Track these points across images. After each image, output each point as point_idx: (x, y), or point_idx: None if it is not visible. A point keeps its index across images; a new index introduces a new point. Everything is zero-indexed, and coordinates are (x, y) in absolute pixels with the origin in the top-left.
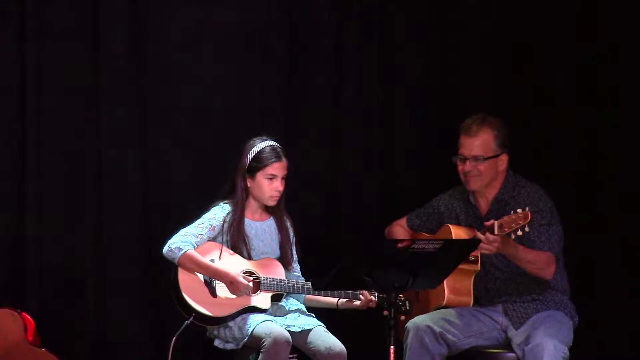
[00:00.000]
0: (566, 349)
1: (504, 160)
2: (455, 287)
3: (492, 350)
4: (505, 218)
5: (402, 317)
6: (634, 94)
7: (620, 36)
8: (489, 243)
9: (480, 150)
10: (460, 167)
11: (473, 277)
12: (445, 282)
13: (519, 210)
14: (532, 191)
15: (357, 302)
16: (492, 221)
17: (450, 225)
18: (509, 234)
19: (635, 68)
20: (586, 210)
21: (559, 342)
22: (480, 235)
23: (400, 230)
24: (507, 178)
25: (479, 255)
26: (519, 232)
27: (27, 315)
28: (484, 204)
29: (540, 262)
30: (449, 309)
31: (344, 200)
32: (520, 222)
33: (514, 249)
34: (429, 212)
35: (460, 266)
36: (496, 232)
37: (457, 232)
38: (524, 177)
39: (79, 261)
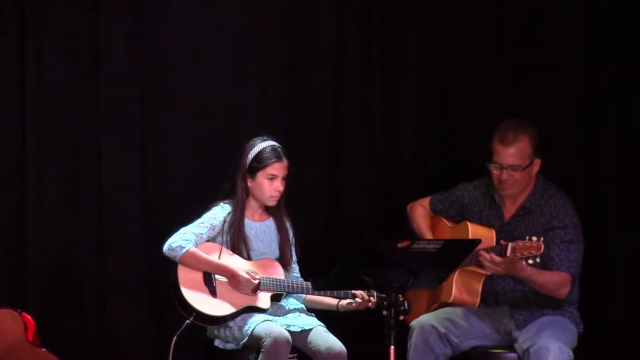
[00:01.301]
0: (571, 352)
1: (537, 164)
2: (464, 287)
3: (493, 351)
4: (520, 243)
5: (401, 317)
6: (636, 94)
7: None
8: (494, 265)
9: (517, 159)
10: (496, 175)
11: (482, 280)
12: (454, 280)
13: (534, 239)
14: (560, 204)
15: (354, 304)
16: (506, 242)
17: (468, 223)
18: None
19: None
20: (587, 213)
21: (563, 344)
22: (483, 255)
23: (421, 211)
24: (536, 185)
25: None
26: (530, 261)
27: (27, 315)
28: (509, 206)
29: (552, 284)
30: (455, 309)
31: (344, 200)
32: (533, 251)
33: (523, 271)
34: (452, 199)
35: (472, 269)
36: (509, 254)
37: (475, 232)
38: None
39: (79, 261)
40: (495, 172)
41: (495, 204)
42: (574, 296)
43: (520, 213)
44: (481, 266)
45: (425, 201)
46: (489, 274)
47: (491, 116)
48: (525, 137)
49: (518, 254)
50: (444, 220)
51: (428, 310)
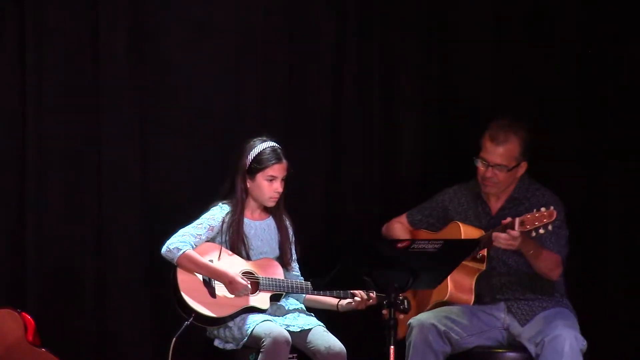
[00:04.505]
0: (585, 341)
1: (523, 167)
2: (459, 283)
3: (494, 350)
4: (528, 216)
5: (401, 316)
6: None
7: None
8: (512, 239)
9: (504, 159)
10: (481, 171)
11: (476, 276)
12: (449, 277)
13: (542, 209)
14: (547, 194)
15: (354, 303)
16: (509, 218)
17: (459, 223)
18: (529, 232)
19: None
20: (587, 213)
21: (579, 333)
22: (497, 234)
23: (399, 227)
24: (521, 180)
25: (485, 254)
26: (541, 230)
27: (27, 315)
28: (494, 201)
29: (550, 262)
30: (453, 307)
31: (344, 200)
32: (545, 220)
33: (532, 246)
34: (432, 206)
35: (466, 263)
36: (516, 228)
37: (467, 231)
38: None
39: (79, 261)
40: (481, 167)
41: (481, 201)
42: (561, 289)
43: (508, 205)
44: (475, 259)
45: (402, 217)
46: (483, 268)
47: (491, 116)
48: (515, 139)
49: (528, 226)
50: (424, 231)
51: (423, 312)
